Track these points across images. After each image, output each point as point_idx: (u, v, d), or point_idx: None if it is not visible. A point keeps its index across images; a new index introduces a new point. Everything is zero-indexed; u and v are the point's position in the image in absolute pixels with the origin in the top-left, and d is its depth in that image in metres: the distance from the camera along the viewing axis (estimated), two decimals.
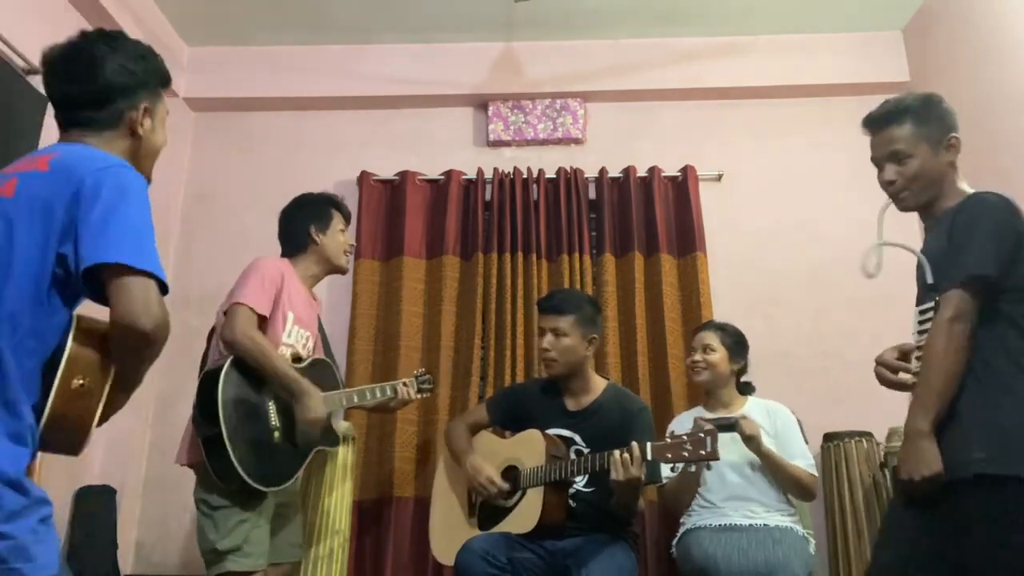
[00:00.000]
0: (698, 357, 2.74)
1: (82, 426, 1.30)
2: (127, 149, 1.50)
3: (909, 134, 1.82)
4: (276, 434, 2.30)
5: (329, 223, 2.62)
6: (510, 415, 2.76)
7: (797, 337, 3.60)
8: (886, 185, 1.87)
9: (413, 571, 3.26)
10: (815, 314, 3.64)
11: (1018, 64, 3.06)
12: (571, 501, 2.51)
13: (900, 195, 1.86)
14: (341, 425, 3.04)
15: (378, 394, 2.69)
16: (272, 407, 2.32)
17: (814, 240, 3.74)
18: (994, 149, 3.15)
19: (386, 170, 3.85)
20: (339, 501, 2.89)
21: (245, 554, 2.20)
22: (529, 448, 2.54)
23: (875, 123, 1.89)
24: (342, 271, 2.69)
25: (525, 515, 2.45)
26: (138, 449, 3.49)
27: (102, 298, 1.28)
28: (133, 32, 3.46)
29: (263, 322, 2.36)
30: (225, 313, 2.35)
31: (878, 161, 1.88)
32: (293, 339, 2.46)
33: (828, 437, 3.17)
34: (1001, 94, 3.16)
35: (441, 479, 2.85)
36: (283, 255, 2.61)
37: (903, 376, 1.79)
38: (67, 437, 1.30)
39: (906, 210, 1.89)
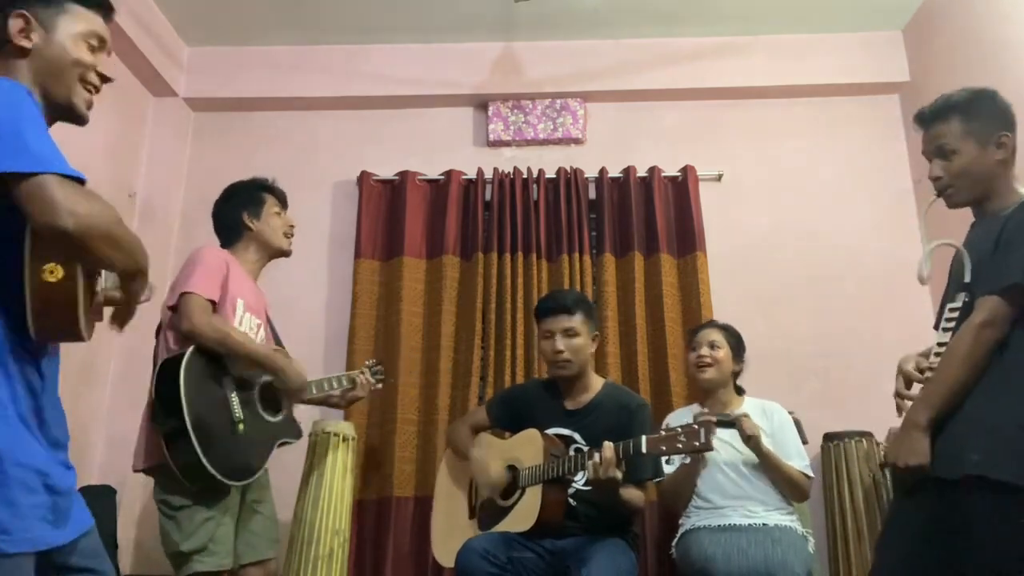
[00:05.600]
0: (704, 352, 2.74)
1: (68, 310, 1.24)
2: (27, 71, 1.37)
3: (955, 130, 1.79)
4: (241, 426, 2.24)
5: (262, 207, 2.57)
6: (510, 416, 2.76)
7: (797, 337, 3.60)
8: (933, 181, 1.85)
9: (413, 571, 3.26)
10: (815, 314, 3.64)
11: (1018, 64, 3.06)
12: (571, 500, 2.51)
13: (946, 191, 1.83)
14: (341, 425, 3.05)
15: (335, 384, 2.72)
16: (235, 398, 2.26)
17: (814, 240, 3.74)
18: None
19: (386, 170, 3.85)
20: (339, 501, 2.89)
21: (211, 553, 2.16)
22: (528, 448, 2.54)
23: (924, 119, 1.87)
24: (285, 253, 2.62)
25: (524, 513, 2.45)
26: None
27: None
28: (133, 32, 3.47)
29: (214, 310, 2.30)
30: (172, 308, 2.28)
31: (927, 156, 1.86)
32: (245, 327, 2.41)
33: (828, 437, 3.17)
34: (1002, 94, 3.15)
35: (442, 481, 2.85)
36: (224, 247, 2.55)
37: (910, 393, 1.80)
38: (60, 326, 1.26)
39: (954, 207, 1.85)
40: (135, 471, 2.32)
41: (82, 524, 1.33)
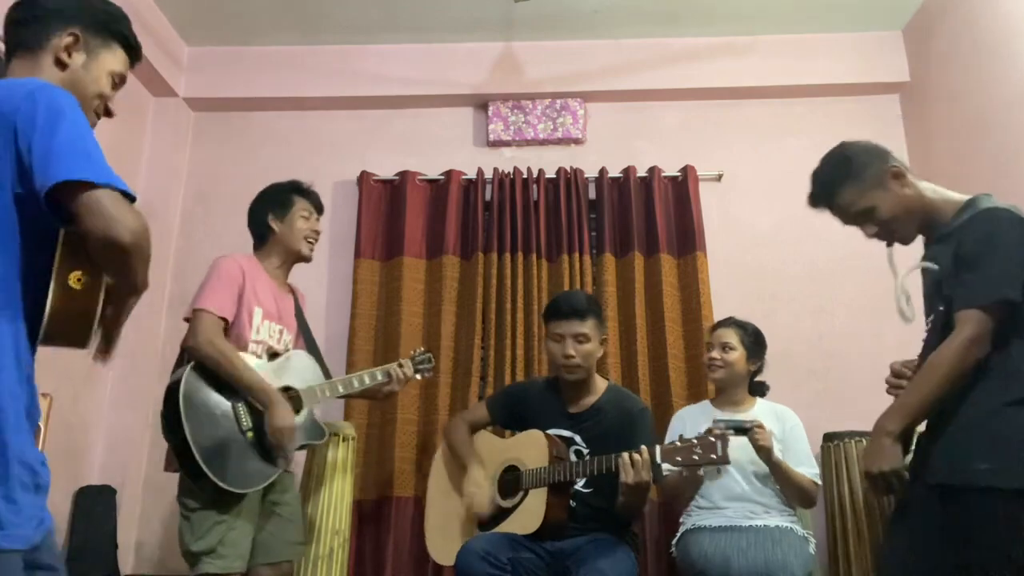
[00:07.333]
0: (716, 355, 2.72)
1: (86, 318, 1.30)
2: (55, 82, 1.40)
3: (853, 195, 1.83)
4: (250, 434, 2.29)
5: (288, 210, 2.58)
6: (511, 414, 2.76)
7: (797, 337, 3.59)
8: (875, 238, 1.88)
9: (413, 571, 3.26)
10: (815, 314, 3.64)
11: (1018, 64, 3.06)
12: (571, 501, 2.51)
13: (893, 239, 1.87)
14: (340, 425, 3.05)
15: (367, 380, 2.66)
16: (242, 408, 2.31)
17: (814, 240, 3.73)
18: (993, 148, 3.15)
19: (386, 170, 3.85)
20: (339, 501, 2.89)
21: (220, 556, 2.21)
22: (531, 448, 2.53)
23: (817, 202, 1.91)
24: (304, 259, 2.63)
25: (529, 516, 2.45)
26: (138, 449, 3.49)
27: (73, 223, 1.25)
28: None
29: (230, 323, 2.36)
30: (188, 320, 2.34)
31: (854, 225, 1.90)
32: (263, 335, 2.45)
33: (828, 437, 3.17)
34: (1001, 94, 3.16)
35: (437, 477, 2.83)
36: (254, 250, 2.61)
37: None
38: (72, 332, 1.30)
39: (909, 243, 1.88)
40: (165, 471, 2.38)
41: (49, 521, 1.36)
